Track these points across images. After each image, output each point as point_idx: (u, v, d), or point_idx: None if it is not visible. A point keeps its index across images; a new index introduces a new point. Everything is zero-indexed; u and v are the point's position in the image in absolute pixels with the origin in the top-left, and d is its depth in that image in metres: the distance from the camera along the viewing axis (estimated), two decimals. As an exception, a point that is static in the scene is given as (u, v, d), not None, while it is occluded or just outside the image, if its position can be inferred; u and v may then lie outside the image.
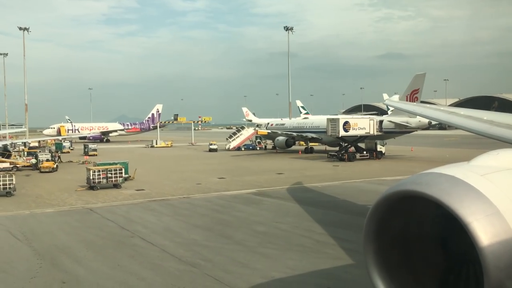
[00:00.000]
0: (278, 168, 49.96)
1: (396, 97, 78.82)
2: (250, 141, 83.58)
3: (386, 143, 64.65)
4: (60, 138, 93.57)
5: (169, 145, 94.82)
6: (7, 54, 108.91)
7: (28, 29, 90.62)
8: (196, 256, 17.87)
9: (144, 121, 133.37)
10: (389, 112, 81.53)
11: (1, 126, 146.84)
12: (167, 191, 35.06)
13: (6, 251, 19.29)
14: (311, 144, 72.62)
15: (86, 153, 70.49)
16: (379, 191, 5.85)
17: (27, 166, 51.24)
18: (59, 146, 77.82)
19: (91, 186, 35.62)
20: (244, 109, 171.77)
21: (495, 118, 13.56)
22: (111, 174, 36.28)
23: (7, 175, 33.99)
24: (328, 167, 51.03)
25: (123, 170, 37.71)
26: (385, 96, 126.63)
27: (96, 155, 69.06)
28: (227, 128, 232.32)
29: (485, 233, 4.40)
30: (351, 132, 59.52)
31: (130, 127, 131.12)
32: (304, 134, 71.39)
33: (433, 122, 60.60)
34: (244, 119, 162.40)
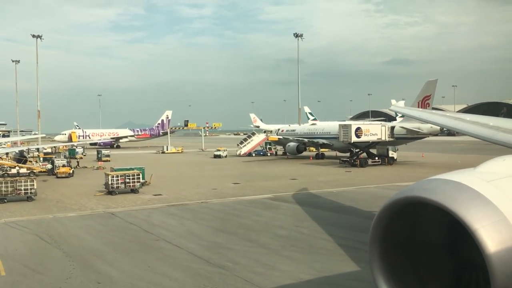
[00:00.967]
0: (291, 173, 50.38)
1: (401, 103, 78.96)
2: (260, 147, 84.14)
3: (397, 149, 64.81)
4: (74, 144, 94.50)
5: (180, 151, 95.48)
6: (19, 61, 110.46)
7: (41, 36, 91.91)
8: (223, 258, 18.34)
9: (154, 127, 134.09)
10: (397, 118, 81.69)
11: (12, 132, 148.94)
12: (184, 196, 35.58)
13: (37, 254, 19.83)
14: (321, 150, 73.05)
15: (99, 159, 71.26)
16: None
17: (43, 171, 52.13)
18: (72, 152, 78.66)
19: (110, 191, 36.24)
20: (252, 115, 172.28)
21: (502, 124, 13.52)
22: (129, 179, 36.88)
23: (29, 180, 34.72)
24: (341, 173, 51.38)
25: (141, 176, 38.31)
26: (393, 101, 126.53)
27: (109, 160, 69.80)
28: (234, 134, 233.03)
29: (491, 239, 4.38)
30: (363, 138, 59.83)
31: (140, 133, 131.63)
32: (315, 140, 71.76)
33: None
34: (252, 125, 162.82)
